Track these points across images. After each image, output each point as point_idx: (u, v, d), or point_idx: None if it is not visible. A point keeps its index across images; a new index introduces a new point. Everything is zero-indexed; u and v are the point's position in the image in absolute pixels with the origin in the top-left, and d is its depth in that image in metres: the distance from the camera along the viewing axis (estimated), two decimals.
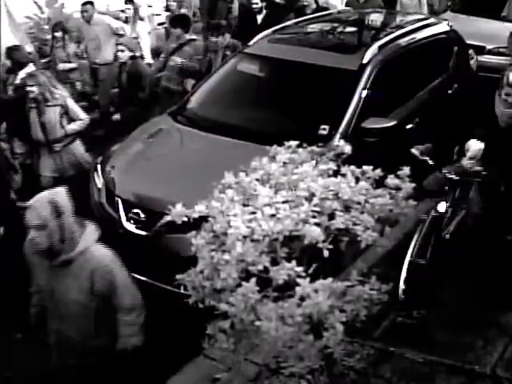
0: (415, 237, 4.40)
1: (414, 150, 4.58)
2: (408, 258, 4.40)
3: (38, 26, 9.08)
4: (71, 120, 5.67)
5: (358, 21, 6.92)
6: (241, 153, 4.24)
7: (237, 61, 5.91)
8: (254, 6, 8.45)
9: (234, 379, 3.25)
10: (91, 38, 7.92)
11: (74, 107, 5.73)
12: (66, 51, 7.58)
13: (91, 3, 7.97)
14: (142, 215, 4.53)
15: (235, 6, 9.10)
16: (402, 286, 4.32)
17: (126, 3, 8.48)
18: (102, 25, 7.91)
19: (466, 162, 4.60)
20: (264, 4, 8.58)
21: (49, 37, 7.83)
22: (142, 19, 8.60)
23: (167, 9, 9.70)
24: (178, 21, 7.47)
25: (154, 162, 4.96)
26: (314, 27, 6.45)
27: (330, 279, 2.65)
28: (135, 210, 4.57)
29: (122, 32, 7.86)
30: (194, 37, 7.33)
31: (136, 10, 8.43)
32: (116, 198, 4.71)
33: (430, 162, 4.54)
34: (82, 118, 5.74)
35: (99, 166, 5.10)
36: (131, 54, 6.54)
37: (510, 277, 4.45)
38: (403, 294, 4.30)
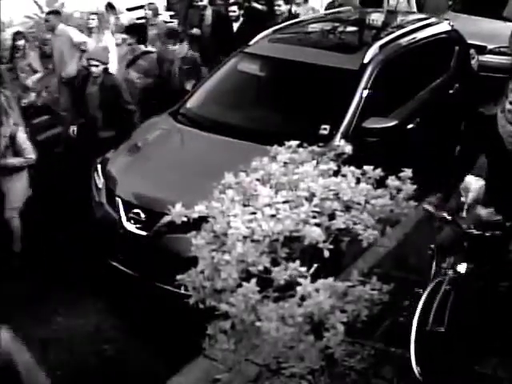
0: (421, 301, 3.59)
1: (427, 206, 3.88)
2: (415, 327, 3.54)
3: (38, 25, 9.06)
4: (16, 153, 5.03)
5: (358, 20, 6.91)
6: (241, 153, 4.23)
7: (237, 60, 5.90)
8: (232, 13, 8.09)
9: (234, 380, 3.24)
10: (56, 50, 7.49)
11: (23, 142, 5.03)
12: (26, 60, 7.27)
13: (56, 13, 7.59)
14: (143, 215, 4.53)
15: (208, 13, 8.49)
16: (415, 364, 3.55)
17: (106, 9, 8.14)
18: (64, 36, 7.44)
19: (483, 211, 3.74)
20: (241, 12, 8.21)
21: (49, 36, 7.77)
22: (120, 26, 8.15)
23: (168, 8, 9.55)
24: (134, 31, 7.11)
25: (154, 162, 4.95)
26: (314, 27, 6.43)
27: (331, 278, 2.65)
28: (135, 210, 4.56)
29: (83, 47, 7.31)
30: (149, 48, 6.94)
31: (116, 18, 7.97)
32: (116, 198, 4.70)
33: (449, 218, 3.77)
34: (28, 156, 5.07)
35: (99, 166, 5.09)
36: (104, 66, 6.09)
37: None
38: (420, 375, 3.55)
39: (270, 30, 6.28)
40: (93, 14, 7.87)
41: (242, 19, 8.10)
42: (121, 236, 4.61)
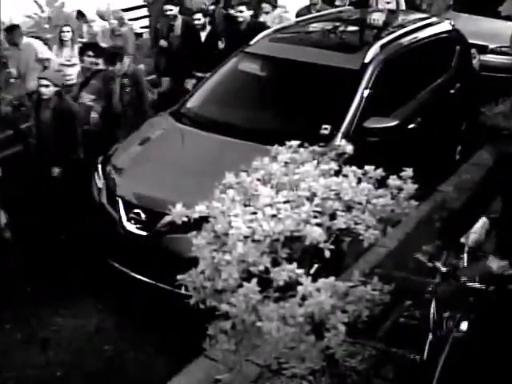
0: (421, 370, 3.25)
1: (419, 256, 3.56)
2: None
3: (38, 25, 9.07)
4: None
5: (359, 20, 6.90)
6: (242, 152, 4.23)
7: (238, 60, 5.90)
8: (197, 22, 7.72)
9: (235, 380, 3.24)
10: (21, 64, 7.19)
11: None
12: None
13: (15, 27, 7.29)
14: (143, 215, 4.52)
15: (178, 23, 7.88)
16: None
17: (77, 18, 7.81)
18: (29, 50, 7.13)
19: (495, 263, 3.17)
20: (207, 19, 7.82)
21: (50, 36, 7.75)
22: (94, 35, 7.88)
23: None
24: (88, 49, 6.40)
25: (154, 162, 4.94)
26: (315, 26, 6.43)
27: (332, 278, 2.64)
28: (136, 210, 4.56)
29: (46, 64, 7.02)
30: (102, 67, 6.33)
31: (88, 27, 7.66)
32: (117, 198, 4.70)
33: (443, 270, 3.35)
34: None
35: (100, 166, 5.09)
36: (56, 89, 5.41)
37: None
38: None
39: (271, 29, 6.28)
40: (66, 25, 7.55)
41: (209, 28, 7.78)
42: (121, 236, 4.61)
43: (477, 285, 3.22)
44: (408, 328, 3.71)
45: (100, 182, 4.97)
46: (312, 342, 2.61)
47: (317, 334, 2.62)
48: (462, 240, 3.33)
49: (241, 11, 7.71)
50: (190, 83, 6.96)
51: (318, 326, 2.60)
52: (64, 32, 7.28)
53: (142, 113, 6.11)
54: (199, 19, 7.70)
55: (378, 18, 6.94)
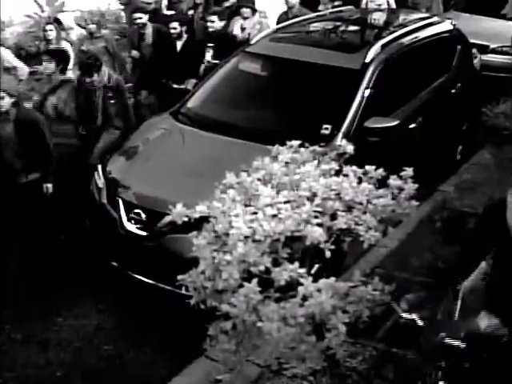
0: None
1: (396, 307, 3.12)
2: None
3: (38, 24, 9.06)
4: None
5: (360, 19, 6.89)
6: (243, 152, 4.22)
7: (238, 60, 5.89)
8: (173, 30, 7.15)
9: (235, 380, 3.24)
10: None
11: None
12: None
13: None
14: (143, 215, 4.52)
15: (148, 31, 7.39)
16: None
17: (47, 25, 7.10)
18: None
19: (484, 321, 2.75)
20: (184, 28, 7.24)
21: None
22: (71, 43, 7.26)
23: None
24: (52, 55, 5.93)
25: (155, 162, 4.93)
26: (316, 26, 6.42)
27: (332, 278, 2.63)
28: (136, 211, 4.55)
29: (13, 73, 6.54)
30: (68, 76, 5.97)
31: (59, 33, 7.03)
32: (117, 198, 4.69)
33: (419, 323, 3.03)
34: None
35: (100, 166, 5.08)
36: (13, 100, 4.88)
37: None
38: None
39: (272, 29, 6.27)
40: (49, 23, 7.17)
41: (185, 37, 7.25)
42: (121, 236, 4.60)
43: (456, 342, 2.80)
44: (408, 328, 3.70)
45: (100, 182, 4.96)
46: (313, 343, 2.61)
47: (317, 334, 2.62)
48: (458, 287, 2.99)
49: (212, 21, 7.30)
50: (190, 82, 6.93)
51: (319, 326, 2.60)
52: (47, 31, 6.96)
53: (129, 125, 5.92)
54: (175, 28, 7.17)
55: (378, 17, 6.92)
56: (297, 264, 2.63)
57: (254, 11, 7.46)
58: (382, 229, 2.83)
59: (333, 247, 2.73)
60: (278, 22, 7.48)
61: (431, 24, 6.41)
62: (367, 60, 5.30)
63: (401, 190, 2.96)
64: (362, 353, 3.76)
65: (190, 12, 8.40)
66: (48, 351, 4.23)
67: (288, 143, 3.19)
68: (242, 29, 7.36)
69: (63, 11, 9.30)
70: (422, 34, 6.09)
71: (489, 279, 2.85)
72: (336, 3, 8.16)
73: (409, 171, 3.04)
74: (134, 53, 7.47)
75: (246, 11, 7.42)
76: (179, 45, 7.21)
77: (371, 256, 4.76)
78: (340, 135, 4.84)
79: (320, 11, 7.77)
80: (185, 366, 3.90)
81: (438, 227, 5.27)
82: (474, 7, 8.98)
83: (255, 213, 2.74)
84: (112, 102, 5.95)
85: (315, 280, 2.61)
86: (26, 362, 4.15)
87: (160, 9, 8.59)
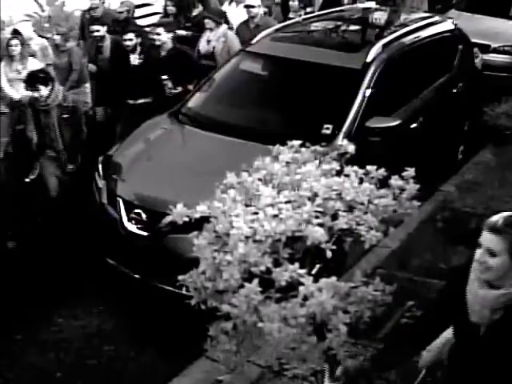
0: None
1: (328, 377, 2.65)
2: None
3: (38, 24, 9.04)
4: None
5: (361, 19, 6.88)
6: (243, 152, 4.21)
7: (239, 59, 5.88)
8: (128, 42, 6.67)
9: (236, 381, 3.23)
10: None
11: None
12: None
13: None
14: (144, 215, 4.51)
15: (106, 44, 6.97)
16: None
17: (11, 40, 6.47)
18: None
19: None
20: (139, 40, 6.75)
21: (50, 35, 7.63)
22: (32, 55, 6.76)
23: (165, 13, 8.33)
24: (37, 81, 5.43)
25: (155, 162, 4.93)
26: (317, 25, 6.41)
27: (333, 278, 2.63)
28: (137, 211, 4.54)
29: None
30: (11, 92, 5.72)
31: (24, 45, 6.54)
32: (117, 199, 4.68)
33: None
34: None
35: (100, 166, 5.07)
36: None
37: None
38: None
39: (272, 28, 6.26)
40: (13, 38, 6.56)
41: (139, 49, 6.75)
42: (122, 236, 4.59)
43: None
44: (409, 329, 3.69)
45: (101, 182, 4.95)
46: (313, 343, 2.60)
47: (318, 334, 2.61)
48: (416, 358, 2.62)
49: (158, 33, 6.61)
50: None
51: (320, 326, 2.59)
52: (12, 46, 6.48)
53: (78, 151, 5.56)
54: (131, 39, 6.68)
55: (380, 17, 6.91)
56: (298, 264, 2.62)
57: (218, 23, 7.05)
58: (383, 229, 2.81)
59: (334, 247, 2.72)
60: (237, 33, 7.19)
61: (432, 23, 6.41)
62: (368, 60, 5.29)
63: (402, 190, 2.95)
64: (363, 353, 3.75)
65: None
66: (48, 352, 4.22)
67: (289, 143, 3.18)
68: (208, 41, 7.06)
69: (63, 11, 9.30)
70: (423, 34, 6.08)
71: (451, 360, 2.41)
72: (308, 10, 7.92)
73: (410, 171, 3.03)
74: (91, 66, 7.05)
75: (208, 23, 7.07)
76: (133, 58, 6.73)
77: (372, 256, 4.75)
78: (341, 135, 4.84)
79: (291, 18, 7.62)
80: (185, 367, 3.89)
81: (440, 227, 5.27)
82: (475, 6, 8.97)
83: (256, 213, 2.73)
84: (66, 124, 5.48)
85: (316, 280, 2.60)
86: (26, 363, 4.15)
87: (132, 18, 8.14)
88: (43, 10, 9.48)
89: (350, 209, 2.81)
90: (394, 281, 2.84)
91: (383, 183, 2.98)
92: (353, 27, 6.62)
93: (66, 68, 6.91)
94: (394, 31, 5.96)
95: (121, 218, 4.60)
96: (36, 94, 5.37)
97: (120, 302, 4.67)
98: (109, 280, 4.72)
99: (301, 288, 2.56)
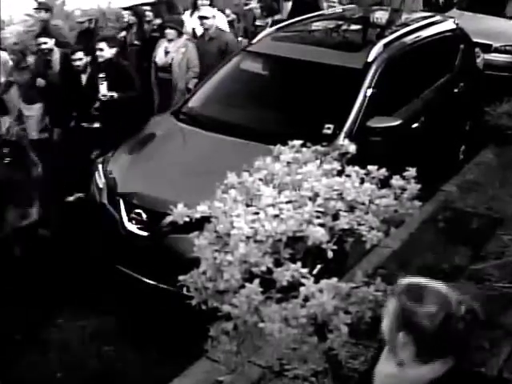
0: None
1: None
2: None
3: (38, 23, 9.02)
4: None
5: (362, 19, 6.87)
6: (244, 152, 4.20)
7: (240, 59, 5.87)
8: (78, 62, 6.05)
9: (237, 381, 3.22)
10: None
11: None
12: None
13: None
14: (144, 215, 4.50)
15: (55, 58, 6.51)
16: None
17: None
18: None
19: None
20: (89, 58, 6.09)
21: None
22: None
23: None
24: None
25: (155, 162, 4.92)
26: (318, 25, 6.40)
27: (334, 279, 2.62)
28: (137, 211, 4.53)
29: None
30: None
31: None
32: (118, 198, 4.67)
33: None
34: None
35: (101, 166, 5.06)
36: None
37: None
38: None
39: (273, 28, 6.25)
40: None
41: (90, 68, 6.17)
42: (122, 236, 4.59)
43: None
44: None
45: (101, 182, 4.94)
46: (314, 344, 2.59)
47: (319, 335, 2.61)
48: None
49: (101, 49, 6.02)
50: (191, 82, 6.88)
51: (321, 327, 2.59)
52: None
53: (25, 196, 4.91)
54: (80, 59, 6.06)
55: (381, 16, 6.90)
56: (299, 264, 2.62)
57: (180, 33, 6.71)
58: (384, 229, 2.81)
59: (335, 247, 2.71)
60: (196, 47, 6.82)
61: (434, 23, 6.39)
62: (369, 59, 5.28)
63: (403, 190, 2.94)
64: (364, 354, 3.74)
65: (123, 34, 7.61)
66: (48, 352, 4.21)
67: (290, 143, 3.18)
68: (166, 52, 6.70)
69: (63, 10, 9.27)
70: (424, 33, 6.07)
71: None
72: (276, 17, 7.65)
73: (411, 171, 3.02)
74: (40, 81, 6.48)
75: (169, 33, 6.66)
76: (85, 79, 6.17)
77: (373, 256, 4.74)
78: (342, 135, 4.82)
79: (258, 26, 7.55)
80: (186, 367, 3.88)
81: (441, 227, 5.26)
82: (477, 6, 8.96)
83: (257, 213, 2.72)
84: (7, 161, 4.90)
85: (317, 280, 2.60)
86: (26, 363, 4.14)
87: (96, 29, 7.63)
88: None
89: (351, 209, 2.80)
90: (395, 281, 2.84)
91: (384, 183, 2.98)
92: (354, 27, 6.61)
93: (29, 85, 6.48)
94: (395, 31, 5.94)
95: (121, 217, 4.59)
96: None
97: (120, 302, 4.66)
98: (109, 280, 4.71)
99: (301, 288, 2.56)
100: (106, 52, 6.02)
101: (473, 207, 5.59)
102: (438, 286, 1.82)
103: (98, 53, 6.02)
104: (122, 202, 4.63)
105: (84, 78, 6.11)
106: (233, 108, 5.48)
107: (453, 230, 5.21)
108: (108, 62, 6.01)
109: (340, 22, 6.55)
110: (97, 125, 5.97)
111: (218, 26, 7.14)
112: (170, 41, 6.71)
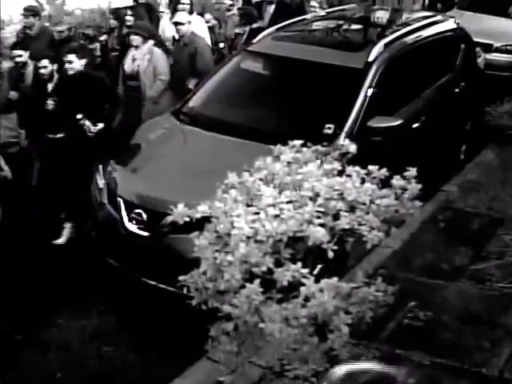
0: None
1: None
2: None
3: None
4: None
5: (363, 18, 6.87)
6: (245, 152, 4.20)
7: (240, 59, 5.87)
8: (42, 70, 5.56)
9: (237, 382, 3.21)
10: None
11: None
12: None
13: None
14: (144, 215, 4.50)
15: (29, 70, 6.28)
16: None
17: None
18: None
19: None
20: (55, 67, 5.60)
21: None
22: None
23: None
24: None
25: (156, 162, 4.92)
26: (318, 25, 6.40)
27: (335, 279, 2.62)
28: (137, 211, 4.53)
29: None
30: None
31: None
32: (118, 199, 4.67)
33: None
34: None
35: (101, 166, 5.06)
36: None
37: None
38: None
39: (274, 28, 6.25)
40: None
41: (57, 76, 5.65)
42: (122, 237, 4.58)
43: None
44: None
45: (101, 182, 4.94)
46: (315, 344, 2.59)
47: (320, 335, 2.60)
48: None
49: (70, 61, 5.65)
50: (191, 82, 6.87)
51: (321, 327, 2.58)
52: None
53: None
54: (45, 67, 5.57)
55: (381, 16, 6.91)
56: (299, 264, 2.61)
57: (145, 39, 6.47)
58: (385, 229, 2.80)
59: (335, 247, 2.71)
60: (172, 54, 6.79)
61: (435, 23, 6.40)
62: (370, 59, 5.28)
63: (404, 190, 2.94)
64: (365, 354, 3.74)
65: (103, 37, 7.50)
66: (48, 352, 4.21)
67: (290, 143, 3.17)
68: (133, 59, 6.50)
69: (64, 10, 9.29)
70: (425, 33, 6.07)
71: None
72: (255, 26, 7.58)
73: (412, 171, 3.02)
74: (13, 93, 6.25)
75: (134, 39, 6.45)
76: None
77: (374, 256, 4.74)
78: (343, 135, 4.82)
79: (237, 34, 7.53)
80: (186, 368, 3.88)
81: (442, 227, 5.26)
82: (478, 5, 8.97)
83: (257, 213, 2.72)
84: None
85: (317, 280, 2.59)
86: (26, 363, 4.14)
87: (74, 37, 7.46)
88: (43, 9, 9.47)
89: (352, 209, 2.79)
90: (396, 281, 2.84)
91: (385, 183, 2.97)
92: (354, 26, 6.61)
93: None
94: (396, 30, 5.94)
95: (121, 217, 4.59)
96: None
97: (120, 302, 4.66)
98: (109, 280, 4.71)
99: (302, 288, 2.55)
100: (76, 64, 5.66)
101: (474, 207, 5.59)
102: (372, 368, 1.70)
103: (67, 65, 5.65)
104: (122, 201, 4.63)
105: (50, 86, 5.61)
106: (233, 108, 5.47)
107: (453, 230, 5.21)
108: (79, 75, 5.66)
109: (341, 22, 6.55)
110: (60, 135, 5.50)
111: (193, 31, 6.97)
112: (136, 47, 6.48)
